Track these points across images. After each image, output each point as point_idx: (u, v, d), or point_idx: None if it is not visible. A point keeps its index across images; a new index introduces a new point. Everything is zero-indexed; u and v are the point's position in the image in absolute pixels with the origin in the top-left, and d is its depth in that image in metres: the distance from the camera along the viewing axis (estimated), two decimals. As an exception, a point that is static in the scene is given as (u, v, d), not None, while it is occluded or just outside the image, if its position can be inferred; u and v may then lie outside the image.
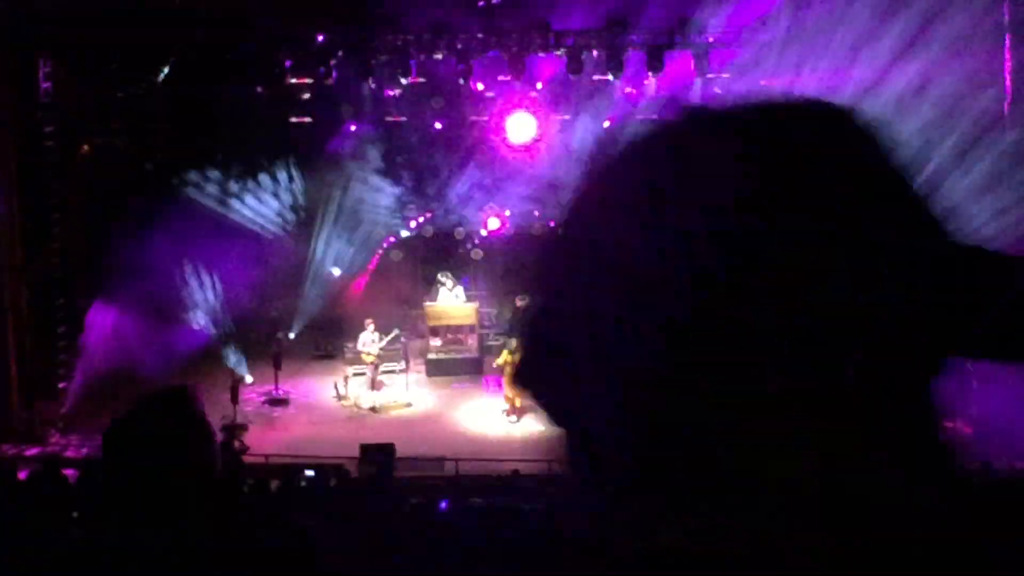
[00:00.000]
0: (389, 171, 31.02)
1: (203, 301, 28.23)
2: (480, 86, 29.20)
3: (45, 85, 25.30)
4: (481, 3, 26.71)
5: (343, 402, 26.38)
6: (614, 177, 1.41)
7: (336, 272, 30.82)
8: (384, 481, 18.89)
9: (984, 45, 23.75)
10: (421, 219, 31.62)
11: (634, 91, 29.57)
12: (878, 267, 1.39)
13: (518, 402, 24.83)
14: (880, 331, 1.42)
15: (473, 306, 28.92)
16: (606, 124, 30.37)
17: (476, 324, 28.87)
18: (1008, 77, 23.92)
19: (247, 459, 21.45)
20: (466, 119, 30.65)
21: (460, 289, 29.04)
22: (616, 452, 1.43)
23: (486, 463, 21.30)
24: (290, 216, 30.87)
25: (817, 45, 25.51)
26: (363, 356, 26.62)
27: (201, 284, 28.22)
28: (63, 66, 25.85)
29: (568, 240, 1.45)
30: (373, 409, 25.79)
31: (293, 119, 29.84)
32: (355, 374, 26.85)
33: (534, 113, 30.03)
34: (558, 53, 27.48)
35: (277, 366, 26.48)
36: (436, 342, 28.66)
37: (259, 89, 28.53)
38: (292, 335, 29.57)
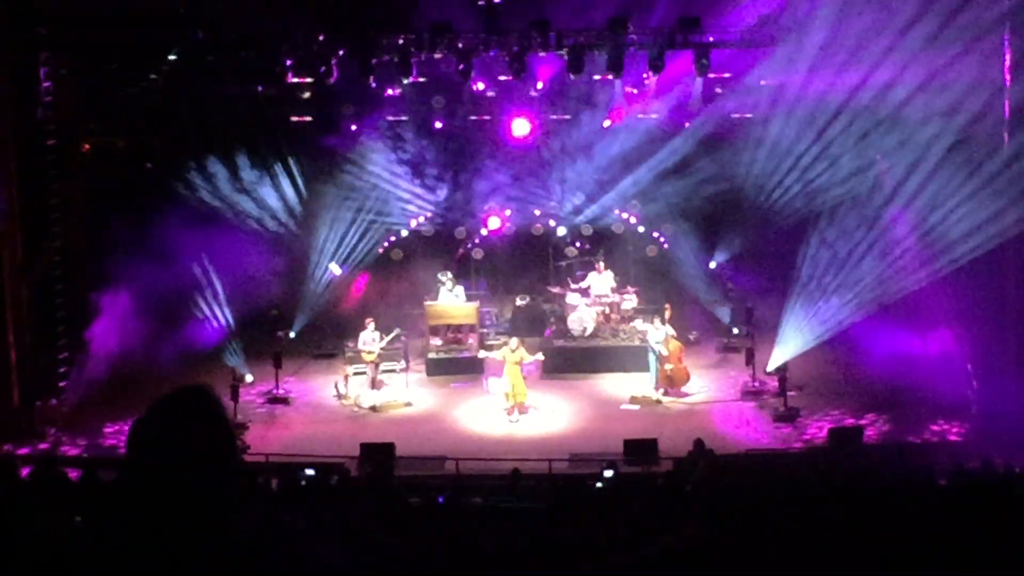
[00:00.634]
0: (390, 170, 31.00)
1: (203, 300, 28.20)
2: (480, 85, 29.20)
3: (46, 84, 25.29)
4: (481, 2, 26.72)
5: (343, 401, 26.37)
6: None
7: (337, 271, 30.81)
8: (384, 480, 18.88)
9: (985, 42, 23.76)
10: (421, 218, 31.61)
11: (635, 91, 29.58)
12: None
13: (521, 399, 24.86)
14: None
15: (473, 305, 28.92)
16: (607, 123, 30.40)
17: (476, 323, 28.86)
18: (1007, 74, 23.91)
19: (248, 458, 21.46)
20: (466, 118, 30.64)
21: (460, 288, 29.03)
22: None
23: (486, 462, 21.32)
24: (290, 215, 30.84)
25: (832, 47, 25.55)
26: (363, 355, 26.62)
27: (201, 283, 28.19)
28: (64, 65, 25.85)
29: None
30: (373, 408, 25.79)
31: (294, 118, 29.84)
32: (355, 373, 26.85)
33: (530, 117, 30.05)
34: (559, 53, 27.47)
35: (277, 365, 26.48)
36: (436, 341, 28.66)
37: (260, 88, 28.53)
38: (292, 334, 29.55)
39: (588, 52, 27.27)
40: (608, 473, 18.74)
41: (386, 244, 31.54)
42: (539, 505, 14.52)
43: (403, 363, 27.57)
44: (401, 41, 27.23)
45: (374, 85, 28.10)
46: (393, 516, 12.69)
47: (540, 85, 29.28)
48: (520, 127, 30.14)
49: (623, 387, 26.49)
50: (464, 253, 31.50)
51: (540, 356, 26.27)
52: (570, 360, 28.01)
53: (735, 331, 28.85)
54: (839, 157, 27.42)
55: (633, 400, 25.78)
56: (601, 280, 29.07)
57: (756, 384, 25.96)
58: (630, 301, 29.02)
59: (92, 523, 4.13)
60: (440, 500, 12.38)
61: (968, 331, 24.77)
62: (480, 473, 20.61)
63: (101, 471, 16.08)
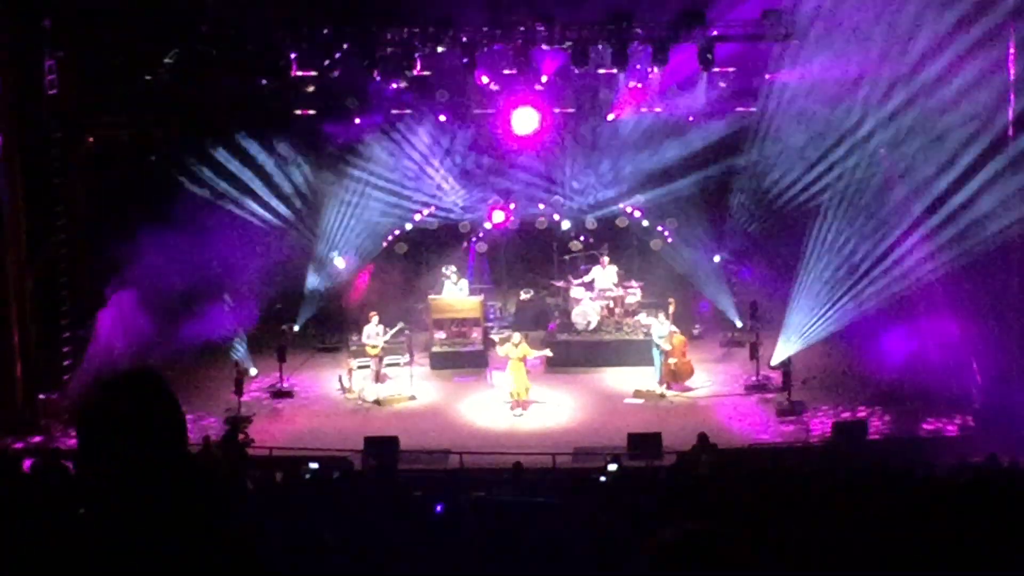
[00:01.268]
0: (393, 163, 30.96)
1: (208, 293, 28.20)
2: (485, 79, 29.17)
3: (50, 77, 25.27)
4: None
5: (347, 395, 26.37)
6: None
7: (341, 265, 30.78)
8: (388, 474, 18.88)
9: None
10: (426, 212, 31.58)
11: (639, 85, 29.55)
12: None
13: (523, 395, 24.87)
14: None
15: (478, 299, 28.90)
16: (611, 117, 30.37)
17: (480, 317, 28.85)
18: (1011, 69, 23.88)
19: (251, 451, 21.47)
20: (470, 112, 30.60)
21: (464, 282, 29.01)
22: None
23: (490, 456, 21.31)
24: (294, 209, 30.81)
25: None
26: (367, 349, 26.60)
27: (206, 277, 28.18)
28: (68, 58, 25.83)
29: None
30: (377, 402, 25.79)
31: (298, 111, 29.83)
32: (359, 367, 26.83)
33: (537, 107, 30.00)
34: (563, 47, 27.46)
35: (281, 358, 26.46)
36: (440, 335, 28.64)
37: (264, 81, 28.52)
38: (296, 328, 29.54)
39: (592, 46, 27.27)
40: (612, 467, 18.74)
41: (390, 238, 31.50)
42: (543, 499, 14.52)
43: (407, 357, 27.56)
44: (405, 35, 27.24)
45: (378, 79, 28.10)
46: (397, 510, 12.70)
47: (544, 79, 29.23)
48: (526, 120, 30.07)
49: (627, 381, 26.47)
50: (468, 247, 31.46)
51: (548, 352, 26.28)
52: (574, 354, 27.99)
53: (739, 325, 28.81)
54: (844, 151, 27.36)
55: (637, 394, 25.77)
56: (605, 274, 29.05)
57: (760, 378, 25.94)
58: (634, 295, 28.99)
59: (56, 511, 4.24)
60: (438, 509, 12.33)
61: (972, 326, 24.74)
62: (484, 466, 20.61)
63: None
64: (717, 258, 30.56)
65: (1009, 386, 22.96)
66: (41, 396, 24.53)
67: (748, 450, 21.74)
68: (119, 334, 26.09)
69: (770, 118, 28.58)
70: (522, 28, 27.15)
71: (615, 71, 28.49)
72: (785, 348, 26.06)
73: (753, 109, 29.26)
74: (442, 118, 30.54)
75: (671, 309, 26.62)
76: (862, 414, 24.10)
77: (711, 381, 26.67)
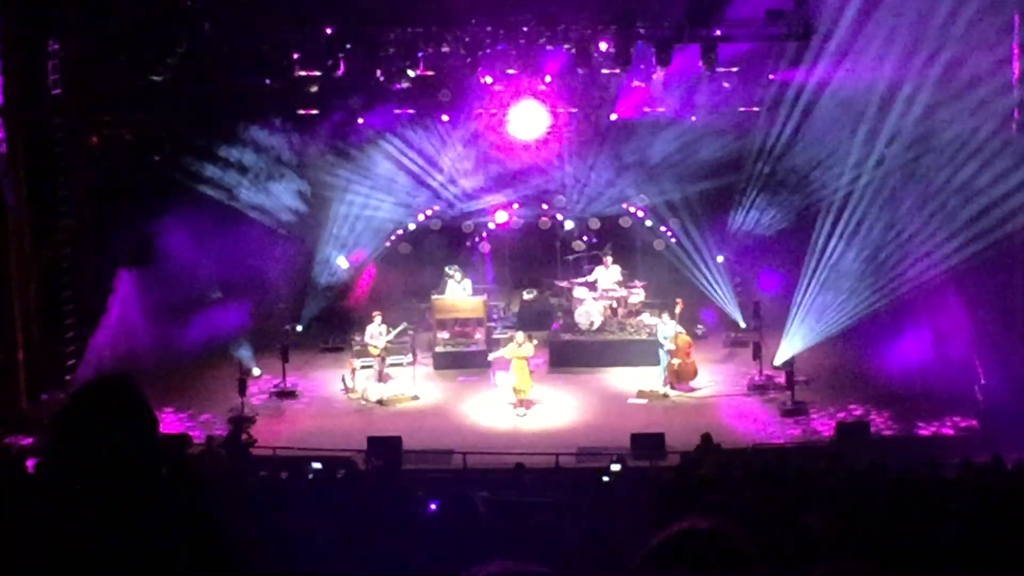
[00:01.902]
0: (397, 164, 30.95)
1: (211, 293, 28.22)
2: (488, 79, 29.15)
3: (53, 77, 25.29)
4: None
5: (350, 395, 26.36)
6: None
7: (344, 265, 30.76)
8: (391, 474, 18.89)
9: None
10: (429, 212, 31.56)
11: (642, 85, 29.54)
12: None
13: (526, 395, 24.86)
14: None
15: (481, 299, 28.86)
16: (614, 117, 30.36)
17: (484, 317, 28.81)
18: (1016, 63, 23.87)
19: (255, 451, 21.48)
20: (473, 112, 30.59)
21: (468, 282, 28.98)
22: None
23: (493, 456, 21.30)
24: (298, 208, 30.81)
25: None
26: (370, 349, 26.59)
27: (209, 276, 28.19)
28: (72, 57, 25.84)
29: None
30: (380, 402, 25.78)
31: (301, 111, 29.84)
32: (362, 367, 26.81)
33: (543, 104, 29.99)
34: (566, 46, 27.45)
35: (284, 359, 26.45)
36: (443, 335, 28.61)
37: (268, 81, 28.53)
38: (300, 328, 29.51)
39: (595, 46, 27.26)
40: (615, 467, 18.74)
41: (393, 238, 31.49)
42: (547, 499, 14.53)
43: (410, 357, 27.54)
44: (408, 34, 27.24)
45: (381, 78, 28.10)
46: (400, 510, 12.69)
47: (548, 78, 29.22)
48: (530, 118, 30.08)
49: (630, 381, 26.45)
50: (472, 247, 31.46)
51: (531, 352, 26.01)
52: (577, 354, 27.97)
53: (743, 325, 28.78)
54: (847, 151, 27.36)
55: (640, 394, 25.75)
56: (608, 274, 29.02)
57: (763, 378, 25.91)
58: (637, 295, 28.95)
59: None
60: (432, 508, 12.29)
61: (976, 324, 24.72)
62: (487, 466, 20.61)
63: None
64: (721, 258, 30.51)
65: (1013, 386, 22.93)
66: (44, 395, 24.53)
67: (752, 450, 21.72)
68: (121, 333, 26.08)
69: (773, 116, 28.60)
70: (525, 28, 27.13)
71: (618, 71, 28.46)
72: (788, 348, 26.04)
73: (756, 109, 29.28)
74: (445, 118, 30.52)
75: (677, 309, 26.59)
76: (866, 413, 24.07)
77: (714, 381, 26.64)
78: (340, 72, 27.73)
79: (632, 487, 16.98)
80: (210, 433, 22.30)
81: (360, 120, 30.15)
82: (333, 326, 30.15)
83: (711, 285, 29.64)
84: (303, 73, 28.32)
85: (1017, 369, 23.44)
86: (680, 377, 26.01)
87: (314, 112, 29.92)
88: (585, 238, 31.04)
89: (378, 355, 26.51)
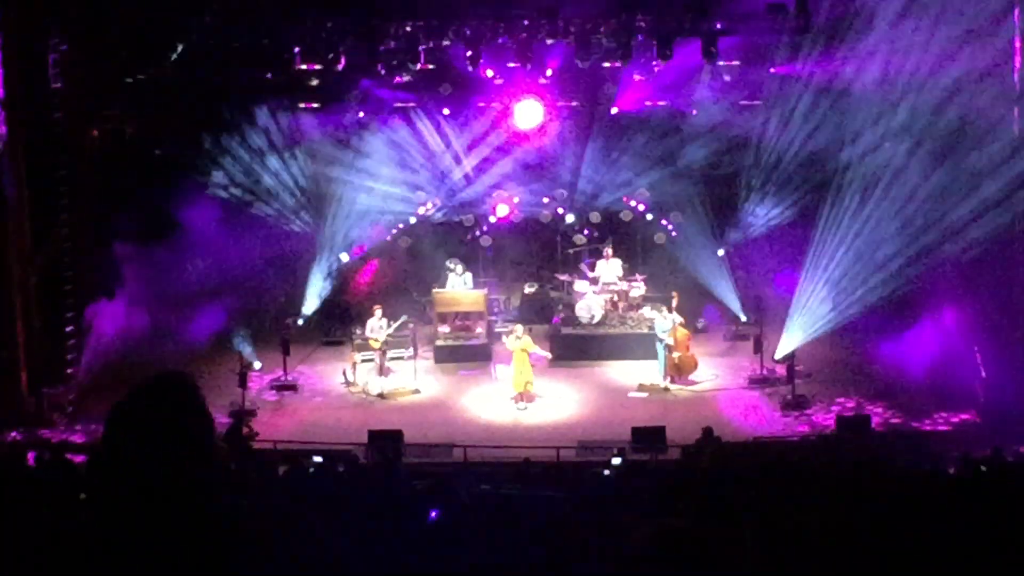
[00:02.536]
0: (398, 157, 30.97)
1: (211, 287, 28.21)
2: (489, 73, 29.14)
3: (55, 70, 25.27)
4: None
5: (351, 388, 26.38)
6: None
7: (344, 258, 30.77)
8: (392, 467, 18.88)
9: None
10: (430, 206, 31.57)
11: (643, 78, 29.54)
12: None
13: (526, 388, 24.86)
14: None
15: (482, 293, 28.88)
16: (615, 110, 30.37)
17: (485, 311, 28.83)
18: (1017, 58, 23.84)
19: (256, 445, 21.48)
20: (474, 105, 30.60)
21: (469, 276, 28.99)
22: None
23: (494, 450, 21.32)
24: (299, 202, 30.83)
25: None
26: (371, 342, 26.61)
27: (209, 270, 28.19)
28: (73, 52, 25.83)
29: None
30: (381, 395, 25.79)
31: (302, 105, 29.85)
32: (363, 360, 26.83)
33: (541, 99, 30.00)
34: (567, 40, 27.43)
35: (286, 352, 26.48)
36: (444, 329, 28.62)
37: (268, 75, 28.53)
38: (300, 321, 29.52)
39: (596, 39, 27.24)
40: (616, 460, 18.74)
41: (394, 231, 31.50)
42: (548, 492, 14.52)
43: (411, 350, 27.53)
44: (409, 28, 27.22)
45: (382, 72, 28.11)
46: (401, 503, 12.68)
47: (549, 72, 29.21)
48: (530, 113, 30.09)
49: (631, 374, 26.47)
50: (472, 240, 31.46)
51: (548, 355, 26.17)
52: (578, 348, 27.97)
53: (743, 319, 28.78)
54: (847, 143, 27.36)
55: (641, 388, 25.77)
56: (609, 267, 29.02)
57: (764, 372, 25.92)
58: (638, 289, 28.96)
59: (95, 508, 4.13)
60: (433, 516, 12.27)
61: (976, 318, 24.72)
62: (488, 460, 20.62)
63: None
64: (721, 251, 30.52)
65: (1013, 380, 22.93)
66: (45, 389, 24.54)
67: (752, 443, 21.72)
68: (123, 327, 26.07)
69: (772, 110, 28.64)
70: (526, 21, 27.12)
71: (619, 64, 28.45)
72: (789, 341, 26.05)
73: (758, 102, 29.30)
74: (446, 111, 30.53)
75: (674, 303, 26.58)
76: (866, 408, 24.07)
77: (715, 375, 26.65)
78: (341, 66, 27.73)
79: (633, 481, 16.98)
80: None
81: (360, 114, 30.18)
82: (334, 320, 30.17)
83: (711, 279, 29.66)
84: (304, 67, 28.33)
85: (1018, 363, 23.42)
86: (680, 370, 26.02)
87: (315, 106, 29.95)
88: (586, 232, 31.05)
89: (379, 349, 26.53)
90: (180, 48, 27.21)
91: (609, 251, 29.27)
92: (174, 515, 3.47)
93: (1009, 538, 9.16)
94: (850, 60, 26.34)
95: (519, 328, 25.51)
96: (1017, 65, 23.78)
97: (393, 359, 27.17)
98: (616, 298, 28.81)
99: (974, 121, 24.06)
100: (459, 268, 28.96)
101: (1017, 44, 23.74)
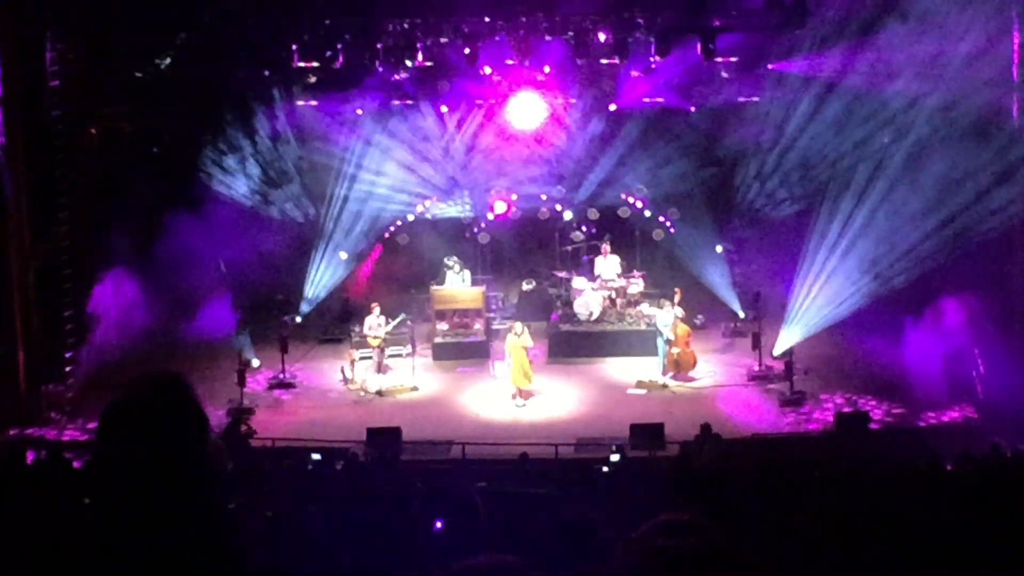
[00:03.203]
0: (396, 154, 30.96)
1: (210, 284, 28.19)
2: (487, 69, 29.15)
3: (53, 68, 25.26)
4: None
5: (349, 386, 26.37)
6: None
7: (343, 256, 30.76)
8: (390, 464, 18.90)
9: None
10: (428, 202, 31.57)
11: (640, 75, 29.54)
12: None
13: (525, 385, 24.87)
14: None
15: (480, 290, 28.88)
16: (612, 107, 30.38)
17: (483, 308, 28.82)
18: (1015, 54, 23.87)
19: (254, 443, 21.48)
20: (472, 102, 30.60)
21: (467, 273, 28.99)
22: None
23: (492, 447, 21.33)
24: (296, 199, 30.83)
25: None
26: (369, 340, 26.61)
27: (208, 267, 28.17)
28: (71, 49, 25.82)
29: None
30: (379, 393, 25.79)
31: (300, 102, 29.84)
32: (361, 358, 26.82)
33: (542, 95, 30.00)
34: (565, 37, 27.43)
35: (284, 350, 26.47)
36: (443, 326, 28.61)
37: (267, 72, 28.53)
38: (299, 319, 29.53)
39: (594, 36, 27.25)
40: (614, 457, 18.76)
41: (392, 229, 31.50)
42: (546, 489, 14.52)
43: (409, 348, 27.54)
44: (407, 25, 27.23)
45: (380, 69, 28.11)
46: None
47: (547, 69, 29.22)
48: (528, 109, 30.09)
49: (629, 371, 26.46)
50: (470, 237, 31.45)
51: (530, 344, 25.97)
52: (576, 344, 27.97)
53: (742, 315, 28.79)
54: (845, 139, 27.39)
55: (639, 384, 25.77)
56: (607, 264, 29.03)
57: (763, 368, 25.93)
58: (636, 285, 28.96)
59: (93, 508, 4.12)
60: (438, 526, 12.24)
61: (974, 314, 24.72)
62: (486, 457, 20.62)
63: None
64: (720, 248, 30.54)
65: (1012, 376, 22.94)
66: (44, 387, 24.53)
67: (751, 440, 21.74)
68: (121, 325, 26.06)
69: (771, 106, 28.66)
70: (524, 18, 27.14)
71: (617, 61, 28.46)
72: (788, 338, 26.05)
73: (756, 99, 29.31)
74: (444, 108, 30.53)
75: (676, 298, 26.61)
76: (864, 404, 24.09)
77: (714, 371, 26.65)
78: (339, 63, 27.74)
79: (631, 477, 16.99)
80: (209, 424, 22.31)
81: (359, 111, 30.16)
82: (332, 317, 30.17)
83: (710, 275, 29.68)
84: (302, 64, 28.34)
85: (1016, 359, 23.44)
86: (679, 367, 26.03)
87: (313, 103, 29.94)
88: (584, 228, 31.05)
89: (377, 346, 26.54)
90: (178, 46, 27.21)
91: (607, 248, 29.27)
92: (169, 516, 3.48)
93: (1007, 535, 9.17)
94: (848, 55, 26.34)
95: (518, 325, 25.50)
96: (1016, 60, 23.81)
97: (391, 356, 27.18)
98: (614, 295, 28.81)
99: (974, 116, 24.08)
100: (457, 265, 28.95)
101: (1016, 37, 23.78)
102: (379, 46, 27.57)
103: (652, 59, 28.33)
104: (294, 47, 27.77)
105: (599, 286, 28.72)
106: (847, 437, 21.53)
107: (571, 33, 27.39)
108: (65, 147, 25.79)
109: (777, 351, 25.94)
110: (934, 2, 24.07)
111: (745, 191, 30.34)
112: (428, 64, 28.69)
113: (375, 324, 26.57)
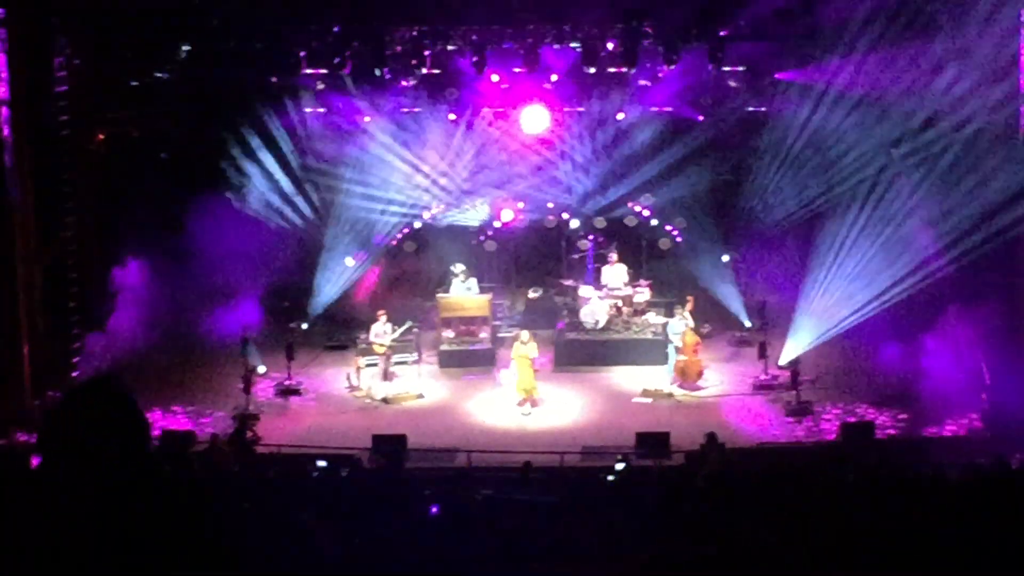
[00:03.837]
0: (403, 162, 30.96)
1: (217, 290, 28.20)
2: (495, 77, 29.15)
3: (60, 74, 25.31)
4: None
5: (355, 393, 26.36)
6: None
7: (350, 263, 30.75)
8: (395, 472, 18.89)
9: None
10: (435, 210, 31.55)
11: (648, 84, 29.53)
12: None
13: (533, 394, 24.86)
14: None
15: (486, 298, 28.86)
16: (620, 116, 30.37)
17: (489, 316, 28.81)
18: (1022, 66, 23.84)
19: (260, 449, 21.48)
20: (480, 110, 30.59)
21: (473, 281, 28.98)
22: None
23: (498, 455, 21.30)
24: (303, 206, 30.83)
25: None
26: (375, 347, 26.62)
27: (217, 274, 28.18)
28: (78, 55, 25.87)
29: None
30: (385, 400, 25.78)
31: (308, 109, 29.86)
32: (367, 365, 26.82)
33: (547, 105, 29.99)
34: (573, 45, 27.45)
35: (290, 356, 26.44)
36: (448, 333, 28.60)
37: (274, 79, 28.55)
38: (305, 325, 29.53)
39: (602, 45, 27.26)
40: (620, 466, 18.74)
41: (399, 236, 31.50)
42: (551, 498, 14.52)
43: (415, 355, 27.55)
44: (415, 33, 27.26)
45: (388, 76, 28.13)
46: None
47: (554, 77, 29.21)
48: (535, 118, 30.08)
49: (635, 380, 26.43)
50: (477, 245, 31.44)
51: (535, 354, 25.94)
52: (582, 353, 27.95)
53: (748, 325, 28.77)
54: (853, 150, 27.39)
55: (645, 393, 25.74)
56: (613, 273, 29.03)
57: (768, 378, 25.90)
58: (642, 294, 28.95)
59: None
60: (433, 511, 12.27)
61: (980, 325, 24.68)
62: (492, 465, 20.60)
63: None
64: (726, 257, 30.52)
65: (1017, 387, 22.88)
66: (50, 392, 24.53)
67: (756, 450, 21.72)
68: (127, 330, 26.10)
69: (779, 117, 28.66)
70: (532, 27, 27.16)
71: (625, 70, 28.47)
72: (794, 347, 26.03)
73: (764, 108, 29.31)
74: (451, 116, 30.54)
75: (689, 306, 26.62)
76: (869, 414, 24.07)
77: (720, 380, 26.63)
78: (347, 70, 27.77)
79: (637, 486, 16.98)
80: (215, 430, 22.33)
81: (367, 118, 30.17)
82: (338, 324, 30.17)
83: (716, 284, 29.66)
84: (310, 71, 28.36)
85: (1021, 369, 23.38)
86: (686, 376, 26.00)
87: (320, 110, 29.96)
88: (591, 237, 31.03)
89: (383, 353, 26.55)
90: (185, 51, 27.26)
91: (614, 256, 29.27)
92: (115, 517, 3.52)
93: (1012, 545, 9.15)
94: (857, 66, 26.33)
95: (524, 333, 25.49)
96: (1023, 70, 23.79)
97: (397, 364, 27.18)
98: (620, 303, 28.80)
99: (981, 127, 24.07)
100: (463, 273, 28.95)
101: (1022, 50, 23.76)
102: (387, 53, 27.58)
103: (660, 68, 28.34)
104: (302, 54, 27.78)
105: (605, 295, 28.72)
106: (852, 447, 21.49)
107: (579, 41, 27.40)
108: (72, 152, 25.82)
109: (783, 360, 25.92)
110: (943, 13, 24.07)
111: (752, 200, 30.31)
112: (436, 72, 28.71)
113: (381, 331, 26.58)
